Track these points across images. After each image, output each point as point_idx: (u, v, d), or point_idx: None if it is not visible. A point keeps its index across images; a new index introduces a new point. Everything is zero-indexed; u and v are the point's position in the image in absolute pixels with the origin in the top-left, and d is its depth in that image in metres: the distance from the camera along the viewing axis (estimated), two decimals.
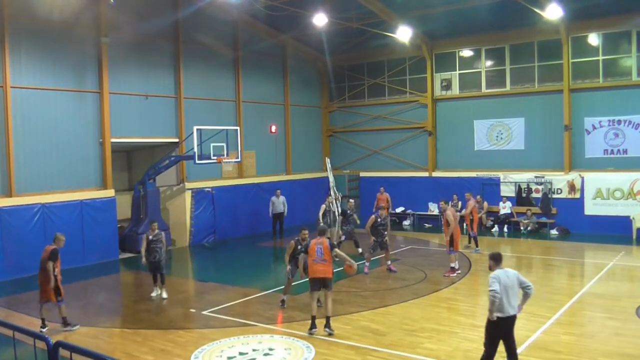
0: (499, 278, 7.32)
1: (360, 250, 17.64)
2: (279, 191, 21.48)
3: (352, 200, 19.21)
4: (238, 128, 20.42)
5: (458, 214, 16.64)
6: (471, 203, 18.13)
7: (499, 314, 7.28)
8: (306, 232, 11.59)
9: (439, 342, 9.38)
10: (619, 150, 19.96)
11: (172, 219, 20.34)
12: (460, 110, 23.40)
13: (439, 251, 18.45)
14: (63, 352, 4.57)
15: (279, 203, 21.34)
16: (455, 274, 14.04)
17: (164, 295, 12.93)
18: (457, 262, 14.46)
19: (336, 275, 15.03)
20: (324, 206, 18.79)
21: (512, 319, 7.39)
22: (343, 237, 17.32)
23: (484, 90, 22.85)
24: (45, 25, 16.43)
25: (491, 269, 7.62)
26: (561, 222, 20.73)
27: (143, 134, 19.08)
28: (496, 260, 7.64)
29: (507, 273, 7.47)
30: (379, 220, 14.78)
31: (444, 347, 9.13)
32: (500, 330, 7.39)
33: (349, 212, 17.68)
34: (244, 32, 22.58)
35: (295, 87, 25.28)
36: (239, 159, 20.05)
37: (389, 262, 15.02)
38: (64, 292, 10.62)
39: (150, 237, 12.90)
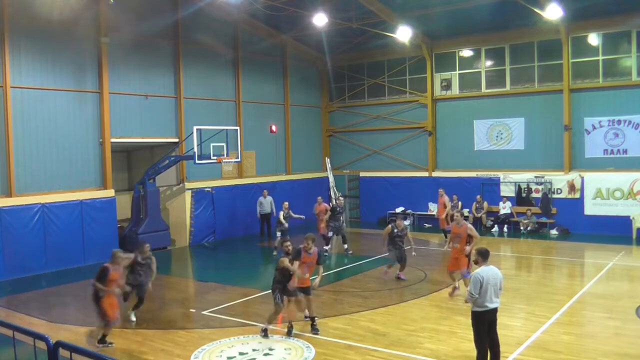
0: (482, 277, 7.54)
1: (346, 246, 17.75)
2: (265, 191, 20.95)
3: (341, 198, 19.11)
4: (238, 128, 20.43)
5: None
6: (443, 199, 18.86)
7: (478, 309, 7.64)
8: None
9: (439, 342, 9.38)
10: (619, 150, 19.95)
11: (172, 219, 20.33)
12: (460, 110, 23.40)
13: (440, 251, 18.45)
14: (63, 352, 4.57)
15: (267, 203, 20.69)
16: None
17: (133, 318, 11.06)
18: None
19: (336, 275, 15.17)
20: (282, 212, 17.84)
21: (493, 312, 7.70)
22: (330, 233, 17.34)
23: (484, 90, 22.85)
24: (45, 25, 16.42)
25: (477, 264, 7.87)
26: (561, 222, 20.73)
27: (143, 134, 19.08)
28: (484, 256, 7.82)
29: (493, 270, 7.70)
30: (395, 231, 13.54)
31: (444, 347, 9.13)
32: (483, 322, 7.69)
33: (338, 209, 17.67)
34: (244, 32, 22.58)
35: (295, 87, 25.28)
36: (239, 159, 20.05)
37: (400, 272, 13.82)
38: (111, 314, 9.40)
39: (139, 259, 10.96)
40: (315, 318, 10.12)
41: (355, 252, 17.85)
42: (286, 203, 18.12)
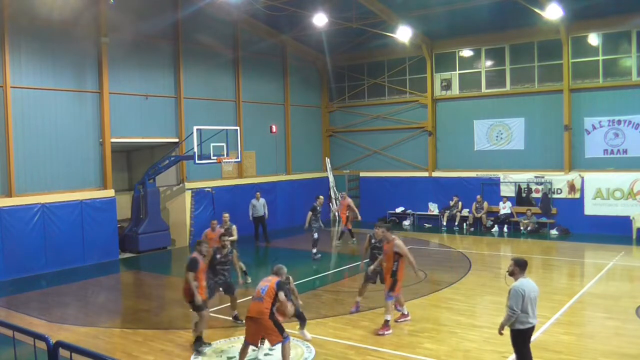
0: (523, 291, 6.87)
1: (314, 250, 17.10)
2: (258, 194, 20.53)
3: (321, 197, 18.71)
4: (238, 128, 20.42)
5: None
6: (345, 202, 19.12)
7: (521, 326, 6.98)
8: (226, 239, 10.85)
9: (439, 342, 9.37)
10: (619, 150, 19.95)
11: (172, 219, 20.33)
12: (460, 110, 23.40)
13: (439, 251, 18.50)
14: (63, 352, 4.57)
15: (260, 206, 20.25)
16: (390, 331, 9.86)
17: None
18: (394, 308, 10.32)
19: (336, 275, 15.16)
20: (235, 227, 14.89)
21: (532, 329, 7.13)
22: (315, 235, 16.96)
23: (484, 90, 22.84)
24: (45, 25, 16.43)
25: (513, 275, 7.13)
26: (561, 222, 20.72)
27: (143, 134, 19.08)
28: (521, 267, 7.10)
29: (531, 283, 7.08)
30: (372, 241, 11.20)
31: (444, 347, 9.12)
32: (524, 338, 7.10)
33: (318, 208, 17.41)
34: (244, 32, 22.59)
35: (295, 87, 25.28)
36: (239, 159, 20.04)
37: (397, 303, 10.57)
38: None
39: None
40: (202, 337, 9.44)
41: (356, 253, 17.85)
42: (321, 197, 18.00)
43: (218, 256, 10.55)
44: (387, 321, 9.91)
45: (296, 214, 22.75)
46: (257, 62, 23.27)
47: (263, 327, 7.98)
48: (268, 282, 8.21)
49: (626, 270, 15.19)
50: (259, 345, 8.70)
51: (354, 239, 19.43)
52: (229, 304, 10.96)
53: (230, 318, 10.83)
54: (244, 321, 9.79)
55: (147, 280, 16.07)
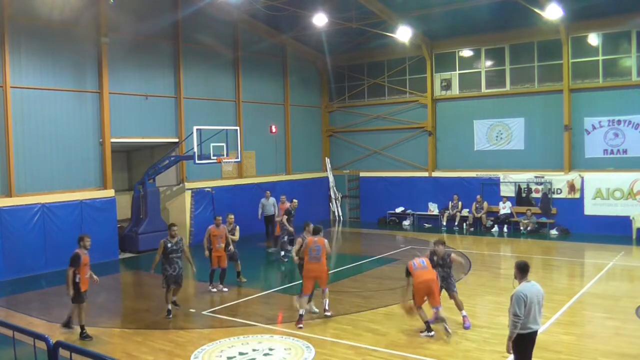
0: (525, 296, 6.65)
1: (273, 249, 17.92)
2: (268, 192, 20.38)
3: (295, 200, 18.44)
4: (238, 128, 20.42)
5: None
6: (284, 206, 18.29)
7: (521, 331, 6.74)
8: (175, 228, 11.53)
9: (439, 342, 9.38)
10: (618, 150, 19.95)
11: (172, 219, 20.29)
12: (460, 110, 23.39)
13: None
14: (63, 352, 4.57)
15: (269, 205, 20.03)
16: (301, 325, 10.21)
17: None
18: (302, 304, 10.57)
19: (336, 275, 15.15)
20: (238, 227, 15.28)
21: (535, 334, 6.89)
22: (285, 237, 17.30)
23: (484, 90, 22.84)
24: (45, 25, 16.43)
25: (516, 279, 6.94)
26: (561, 222, 20.73)
27: (143, 134, 19.08)
28: (522, 270, 6.86)
29: (535, 287, 6.85)
30: (434, 258, 10.80)
31: (444, 347, 9.13)
32: (527, 345, 6.85)
33: (292, 212, 17.54)
34: (244, 32, 22.59)
35: (295, 87, 25.28)
36: (239, 159, 20.03)
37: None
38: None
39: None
40: (84, 326, 10.07)
41: (356, 253, 17.87)
42: (295, 201, 17.86)
43: (169, 245, 11.24)
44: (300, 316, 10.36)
45: (296, 214, 22.68)
46: (257, 62, 23.27)
47: (432, 290, 9.63)
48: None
49: (626, 270, 15.19)
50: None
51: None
52: (173, 291, 11.53)
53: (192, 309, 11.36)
54: (180, 306, 11.36)
55: (147, 280, 16.04)
